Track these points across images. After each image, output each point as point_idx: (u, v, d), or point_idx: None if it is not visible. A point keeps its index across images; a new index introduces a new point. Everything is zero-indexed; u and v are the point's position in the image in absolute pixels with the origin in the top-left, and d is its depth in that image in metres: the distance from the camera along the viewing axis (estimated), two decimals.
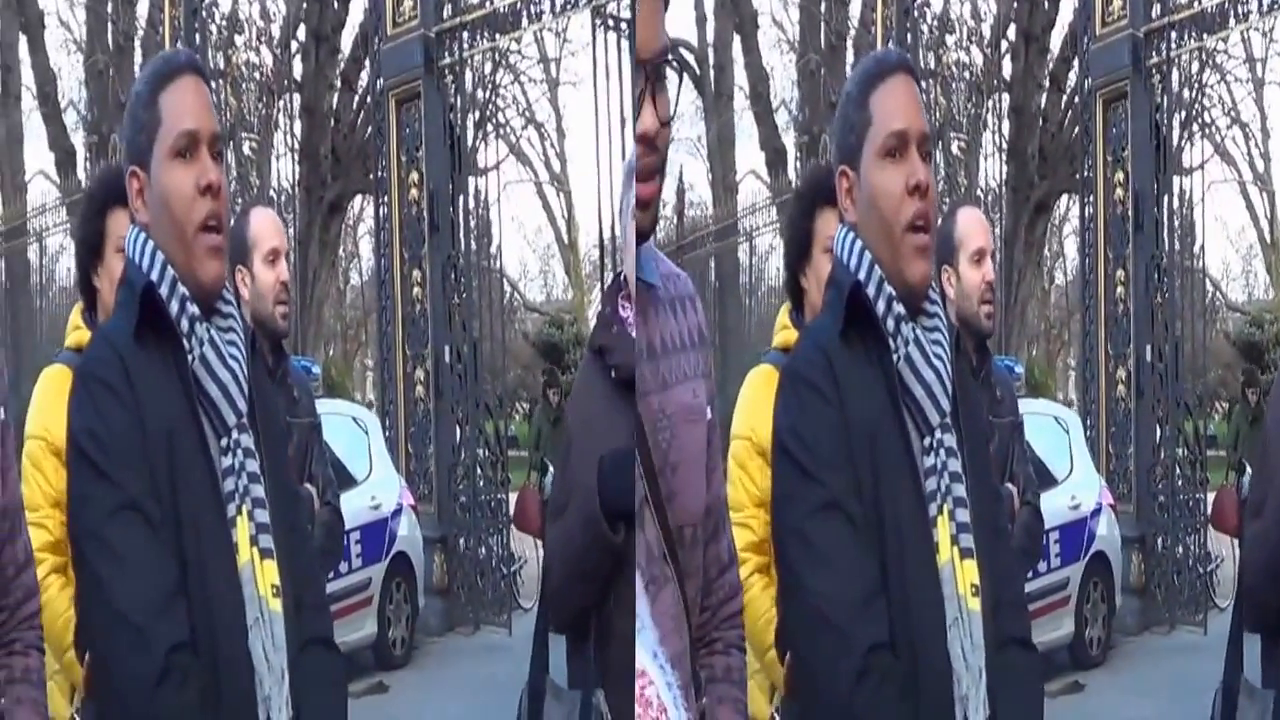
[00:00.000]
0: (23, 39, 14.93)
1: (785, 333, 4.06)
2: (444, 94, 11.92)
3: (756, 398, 3.75)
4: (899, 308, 2.84)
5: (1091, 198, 11.78)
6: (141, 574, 2.66)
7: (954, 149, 12.31)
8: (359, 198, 15.12)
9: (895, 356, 2.83)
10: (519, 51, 13.92)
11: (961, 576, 2.79)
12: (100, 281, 3.96)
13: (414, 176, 11.88)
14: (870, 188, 2.87)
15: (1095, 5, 11.60)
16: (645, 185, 2.56)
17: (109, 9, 13.90)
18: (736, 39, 15.38)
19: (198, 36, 11.46)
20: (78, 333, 4.03)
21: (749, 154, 19.80)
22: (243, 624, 2.70)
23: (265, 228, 4.73)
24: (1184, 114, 11.78)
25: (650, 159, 2.56)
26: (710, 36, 15.47)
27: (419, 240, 11.84)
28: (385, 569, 10.58)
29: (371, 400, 14.59)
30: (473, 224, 12.17)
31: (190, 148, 2.80)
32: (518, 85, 14.83)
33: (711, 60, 15.42)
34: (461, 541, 11.86)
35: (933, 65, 12.22)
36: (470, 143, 12.22)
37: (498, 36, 11.98)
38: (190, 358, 2.76)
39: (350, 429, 10.35)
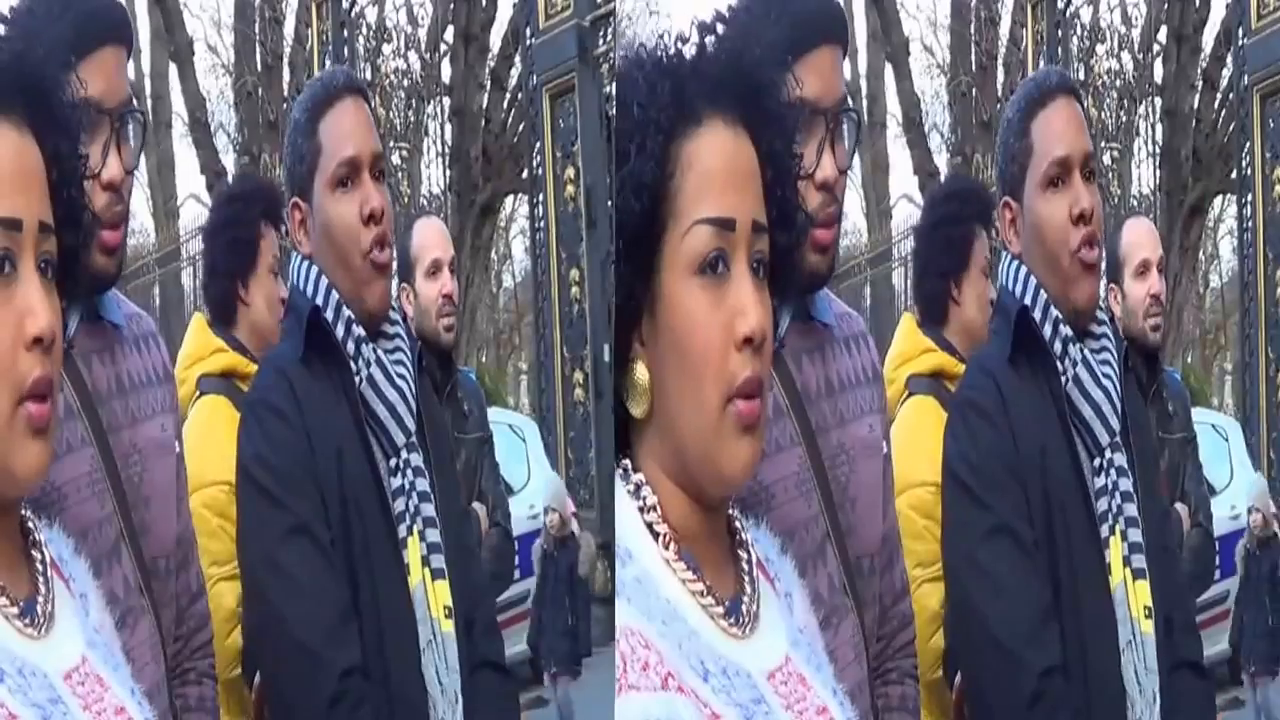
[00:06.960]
0: (172, 67, 15.12)
1: (932, 356, 3.92)
2: (599, 84, 11.65)
3: (925, 439, 3.50)
4: (1065, 329, 2.83)
5: (1250, 196, 11.55)
6: (315, 599, 2.67)
7: (1106, 158, 12.15)
8: (511, 198, 15.05)
9: (1064, 378, 2.82)
10: None
11: (1134, 598, 2.78)
12: (252, 296, 3.79)
13: (570, 172, 11.67)
14: (1034, 218, 2.85)
15: None
16: (824, 231, 2.56)
17: (256, 29, 14.00)
18: (888, 67, 15.29)
19: (346, 49, 11.49)
20: (222, 355, 3.74)
21: (901, 179, 19.67)
22: (416, 647, 2.71)
23: (428, 239, 4.55)
24: None
25: (831, 208, 2.56)
26: (862, 67, 15.39)
27: (576, 238, 11.61)
28: None
29: (525, 405, 14.52)
30: None
31: (351, 175, 2.79)
32: None
33: (864, 90, 15.31)
34: None
35: (1084, 76, 12.07)
36: None
37: None
38: (357, 379, 2.76)
39: (507, 437, 10.29)
